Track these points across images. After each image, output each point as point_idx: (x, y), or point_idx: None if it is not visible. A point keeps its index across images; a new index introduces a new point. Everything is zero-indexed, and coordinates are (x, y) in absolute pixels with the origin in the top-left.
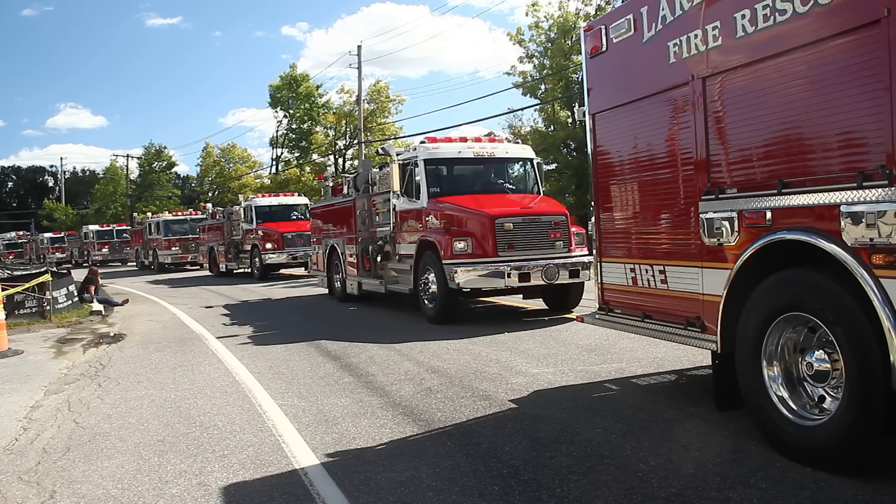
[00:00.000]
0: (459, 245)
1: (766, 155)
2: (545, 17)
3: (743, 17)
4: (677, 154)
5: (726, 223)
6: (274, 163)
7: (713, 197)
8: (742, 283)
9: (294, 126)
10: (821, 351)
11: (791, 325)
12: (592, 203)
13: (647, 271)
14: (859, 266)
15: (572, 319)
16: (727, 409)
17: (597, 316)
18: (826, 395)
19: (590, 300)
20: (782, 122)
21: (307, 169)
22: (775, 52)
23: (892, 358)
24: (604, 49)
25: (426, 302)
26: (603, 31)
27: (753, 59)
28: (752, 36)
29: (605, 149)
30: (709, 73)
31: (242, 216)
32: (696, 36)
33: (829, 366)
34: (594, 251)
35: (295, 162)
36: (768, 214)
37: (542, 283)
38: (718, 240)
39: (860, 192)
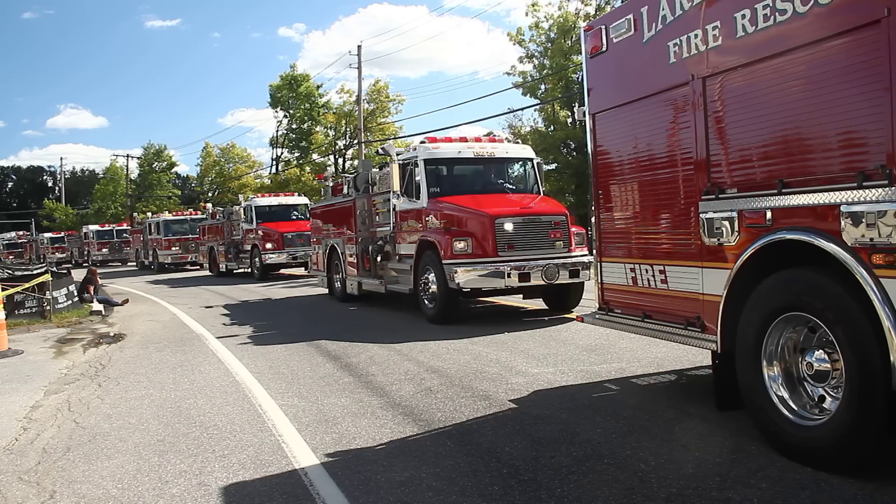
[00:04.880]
0: (459, 245)
1: (767, 155)
2: (545, 17)
3: (743, 16)
4: (677, 154)
5: (726, 223)
6: (274, 163)
7: (713, 197)
8: (742, 282)
9: (294, 126)
10: (821, 351)
11: (791, 325)
12: (592, 203)
13: (647, 271)
14: (859, 266)
15: (572, 319)
16: (727, 409)
17: (597, 316)
18: (826, 395)
19: (590, 300)
20: (782, 122)
21: (307, 169)
22: (776, 52)
23: (892, 358)
24: (604, 49)
25: (426, 302)
26: (603, 30)
27: (754, 58)
28: (753, 36)
29: (606, 149)
30: (709, 73)
31: (242, 216)
32: (696, 36)
33: (829, 366)
34: (594, 251)
35: (295, 162)
36: (768, 214)
37: (542, 283)
38: (718, 240)
39: (860, 191)
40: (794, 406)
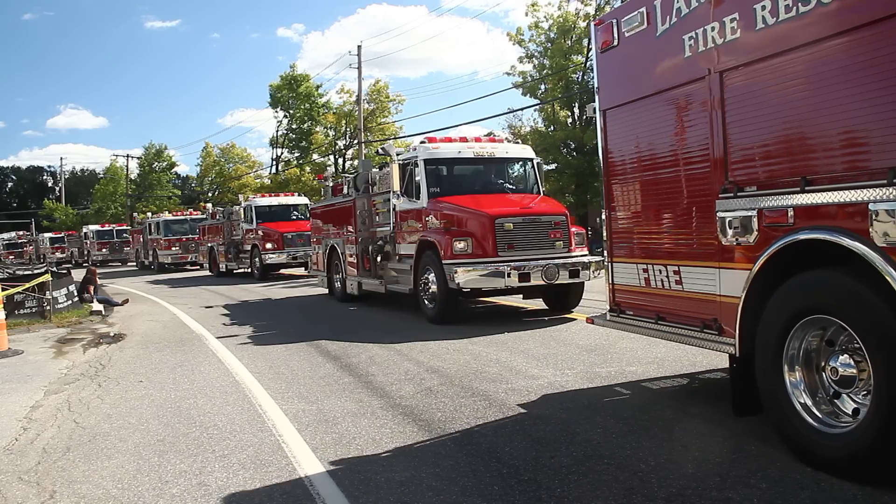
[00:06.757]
0: (459, 245)
1: (788, 151)
2: (545, 17)
3: (763, 7)
4: (693, 151)
5: (745, 222)
6: (274, 163)
7: (731, 195)
8: (762, 284)
9: (294, 126)
10: (846, 355)
11: (815, 328)
12: (603, 202)
13: (660, 272)
14: (888, 266)
15: (572, 319)
16: (744, 414)
17: (608, 317)
18: (852, 402)
19: (589, 300)
20: (804, 117)
21: (307, 169)
22: (799, 43)
23: None
24: (615, 43)
25: (426, 302)
26: (614, 24)
27: (775, 51)
28: (773, 28)
29: (617, 146)
30: (727, 67)
31: (242, 216)
32: (713, 29)
33: (855, 371)
34: (604, 251)
35: (295, 162)
36: (790, 213)
37: (542, 283)
38: (737, 239)
39: (890, 189)
40: (817, 413)
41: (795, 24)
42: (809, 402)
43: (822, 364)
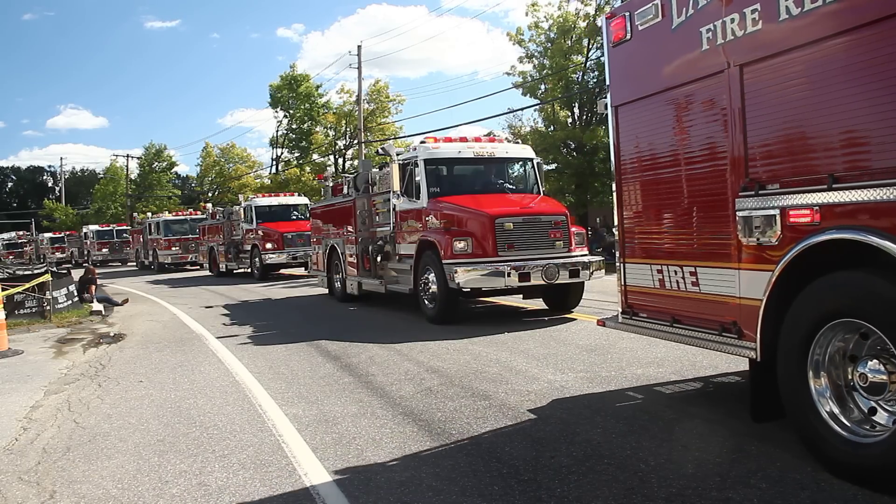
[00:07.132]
0: (459, 245)
1: (813, 147)
2: (545, 17)
3: None
4: (711, 148)
5: (767, 221)
6: (274, 163)
7: (752, 193)
8: (785, 286)
9: (294, 126)
10: (875, 360)
11: (842, 331)
12: (614, 200)
13: (676, 273)
14: None
15: (572, 319)
16: (764, 420)
17: (620, 319)
18: (882, 410)
19: (589, 300)
20: (829, 112)
21: (307, 169)
22: (824, 35)
23: None
24: (628, 37)
25: (426, 302)
26: (627, 18)
27: (798, 43)
28: (797, 19)
29: (629, 143)
30: (747, 61)
31: (242, 216)
32: (732, 21)
33: (885, 377)
34: (616, 252)
35: (295, 162)
36: (816, 211)
37: (542, 283)
38: (758, 239)
39: None
40: (845, 421)
41: (820, 15)
42: (836, 410)
43: (850, 370)
